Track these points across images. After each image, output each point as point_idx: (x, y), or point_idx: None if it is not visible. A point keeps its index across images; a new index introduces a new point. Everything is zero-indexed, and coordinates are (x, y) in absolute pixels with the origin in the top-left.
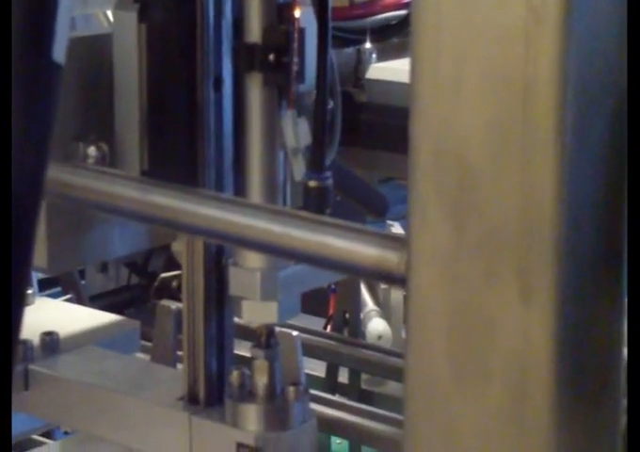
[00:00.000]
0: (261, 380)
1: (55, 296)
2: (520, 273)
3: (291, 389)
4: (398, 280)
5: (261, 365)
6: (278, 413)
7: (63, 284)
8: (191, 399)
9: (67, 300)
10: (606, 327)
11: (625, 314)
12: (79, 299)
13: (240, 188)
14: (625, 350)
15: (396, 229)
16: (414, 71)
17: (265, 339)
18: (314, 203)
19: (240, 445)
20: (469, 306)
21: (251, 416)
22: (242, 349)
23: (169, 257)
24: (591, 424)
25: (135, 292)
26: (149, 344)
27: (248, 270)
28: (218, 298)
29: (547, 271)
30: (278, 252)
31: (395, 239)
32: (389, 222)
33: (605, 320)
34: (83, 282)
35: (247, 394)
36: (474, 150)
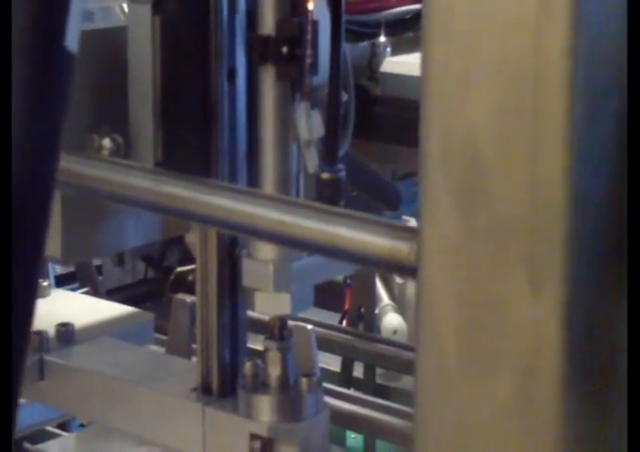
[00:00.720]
0: (274, 372)
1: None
2: (529, 263)
3: (304, 380)
4: (409, 270)
5: (274, 357)
6: (291, 404)
7: (80, 279)
8: (204, 390)
9: (83, 294)
10: (616, 317)
11: None
12: (96, 294)
13: (253, 180)
14: None
15: (413, 225)
16: (425, 61)
17: (278, 331)
18: (327, 195)
19: (253, 436)
20: (479, 296)
21: (264, 407)
22: (256, 343)
23: (185, 251)
24: (600, 414)
25: (151, 286)
26: (164, 337)
27: (261, 262)
28: (232, 290)
29: (556, 261)
30: (290, 243)
31: (406, 230)
32: (405, 218)
33: (615, 310)
34: (100, 277)
35: (260, 385)
36: (484, 139)
